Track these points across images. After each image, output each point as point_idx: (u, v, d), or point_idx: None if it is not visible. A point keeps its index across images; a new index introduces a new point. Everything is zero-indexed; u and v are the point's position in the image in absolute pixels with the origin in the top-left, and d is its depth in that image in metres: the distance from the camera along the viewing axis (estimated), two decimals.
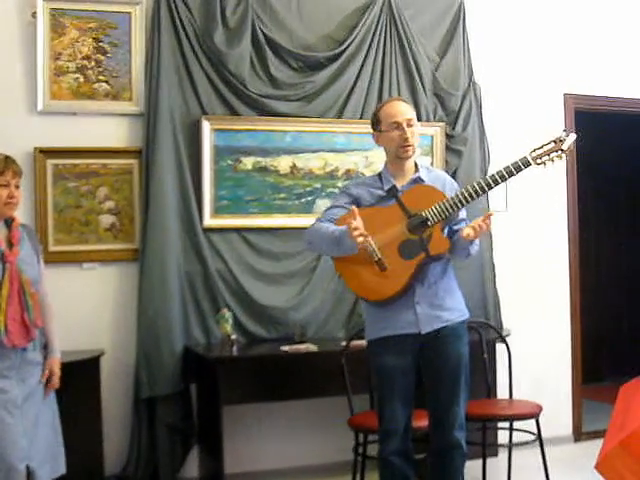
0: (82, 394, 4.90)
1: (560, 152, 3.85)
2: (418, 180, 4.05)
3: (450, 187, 4.10)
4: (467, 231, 3.80)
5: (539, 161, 3.86)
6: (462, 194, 3.85)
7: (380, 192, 4.03)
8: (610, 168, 8.37)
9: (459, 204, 3.85)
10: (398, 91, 5.86)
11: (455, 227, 4.04)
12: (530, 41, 6.39)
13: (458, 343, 4.01)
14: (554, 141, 3.87)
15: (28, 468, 3.80)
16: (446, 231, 4.00)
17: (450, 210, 3.85)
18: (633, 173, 8.53)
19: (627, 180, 8.62)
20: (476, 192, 3.84)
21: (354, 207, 3.83)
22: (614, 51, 6.60)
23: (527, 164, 3.83)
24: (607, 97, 6.61)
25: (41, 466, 3.89)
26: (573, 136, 3.87)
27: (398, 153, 4.01)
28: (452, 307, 4.03)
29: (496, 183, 3.84)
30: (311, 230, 4.08)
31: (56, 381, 4.08)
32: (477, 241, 3.98)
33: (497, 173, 3.84)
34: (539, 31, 6.42)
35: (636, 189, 8.61)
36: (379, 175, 4.13)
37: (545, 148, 3.87)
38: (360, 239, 3.71)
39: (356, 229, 3.70)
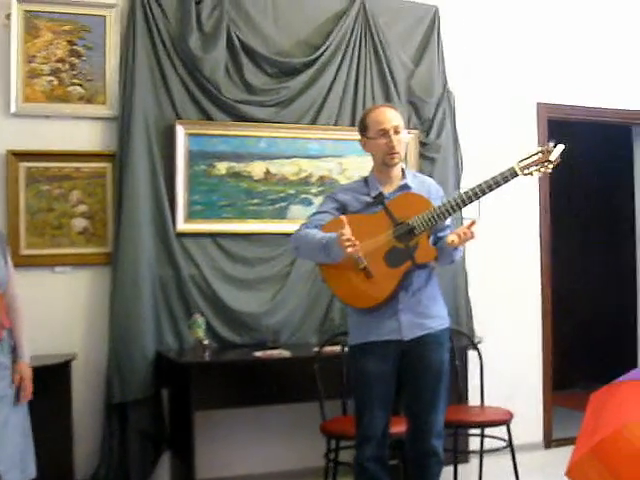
0: (53, 398, 4.85)
1: (547, 163, 3.84)
2: (405, 187, 4.05)
3: (435, 193, 4.10)
4: (452, 238, 3.81)
5: (526, 171, 3.84)
6: (449, 203, 3.85)
7: (367, 198, 4.03)
8: (583, 177, 8.43)
9: (446, 213, 3.86)
10: (372, 98, 5.88)
11: (440, 234, 4.04)
12: (504, 50, 6.44)
13: (440, 350, 4.02)
14: (541, 151, 3.86)
15: None
16: (432, 238, 3.99)
17: (437, 219, 3.86)
18: (606, 182, 8.60)
19: (600, 189, 8.69)
20: (463, 202, 3.84)
21: (342, 217, 3.82)
22: (587, 60, 6.66)
23: (514, 174, 3.83)
24: (580, 106, 6.66)
25: (10, 470, 3.86)
26: (561, 147, 3.85)
27: (385, 160, 4.01)
28: (435, 315, 4.04)
29: (483, 193, 3.84)
30: (297, 236, 4.07)
31: (29, 387, 4.04)
32: (461, 247, 4.00)
33: (484, 183, 3.83)
34: (513, 40, 6.47)
35: (609, 198, 8.67)
36: (365, 180, 4.12)
37: (532, 158, 3.86)
38: (349, 250, 3.73)
39: (348, 240, 3.71)
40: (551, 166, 3.85)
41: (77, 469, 5.14)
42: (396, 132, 3.99)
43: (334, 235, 3.81)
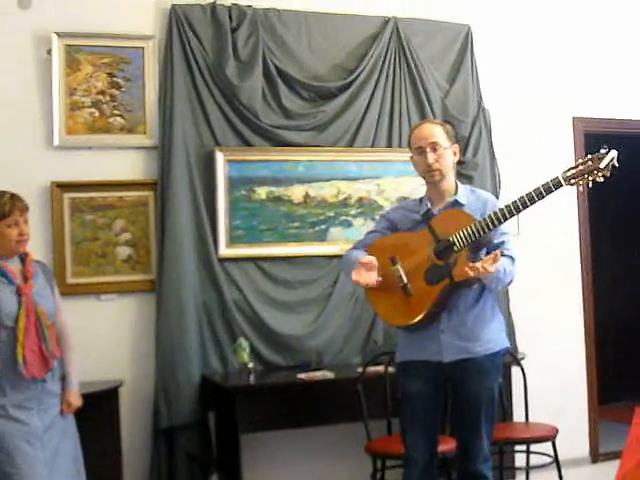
0: (102, 425, 4.93)
1: (597, 171, 3.65)
2: (455, 203, 4.00)
3: (492, 208, 3.92)
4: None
5: (572, 181, 3.68)
6: (489, 218, 3.75)
7: (416, 216, 4.02)
8: (622, 190, 8.39)
9: (485, 228, 3.75)
10: (408, 118, 5.93)
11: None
12: (538, 65, 6.46)
13: (481, 379, 3.91)
14: (590, 159, 3.69)
15: None
16: (483, 255, 3.86)
17: (477, 234, 3.75)
18: None
19: (638, 203, 8.64)
20: (504, 216, 3.73)
21: (369, 258, 3.88)
22: (623, 73, 6.67)
23: (558, 185, 3.68)
24: (617, 119, 6.66)
25: None
26: (613, 153, 3.67)
27: (425, 178, 4.02)
28: (479, 338, 3.92)
29: (525, 206, 3.71)
30: (343, 258, 4.15)
31: (72, 410, 4.15)
32: (509, 270, 3.88)
33: (526, 195, 3.71)
34: (547, 55, 6.50)
35: None
36: (421, 198, 4.11)
37: (579, 168, 3.70)
38: (353, 277, 3.86)
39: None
40: (601, 174, 3.67)
41: None
42: (433, 149, 3.95)
43: (354, 264, 3.88)
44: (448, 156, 4.00)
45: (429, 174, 3.98)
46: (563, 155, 6.39)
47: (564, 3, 6.59)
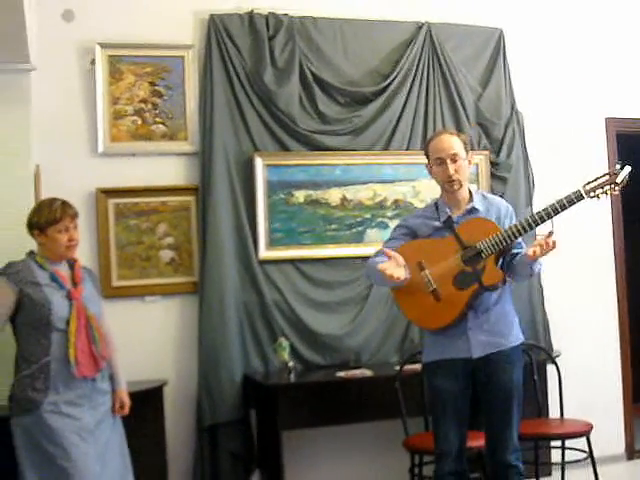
0: (147, 422, 5.03)
1: (614, 185, 3.90)
2: (473, 210, 4.15)
3: (506, 213, 4.18)
4: (533, 249, 3.87)
5: (592, 194, 3.90)
6: (515, 227, 3.94)
7: (436, 223, 4.15)
8: None
9: (512, 237, 3.94)
10: (442, 121, 6.02)
11: (514, 251, 4.10)
12: (570, 67, 6.51)
13: (510, 369, 4.08)
14: (608, 174, 3.93)
15: None
16: (506, 258, 4.09)
17: (503, 243, 3.94)
18: None
19: None
20: (529, 225, 3.92)
21: (396, 254, 3.98)
22: None
23: (580, 197, 3.89)
24: None
25: None
26: (627, 169, 3.91)
27: (445, 187, 4.15)
28: (505, 333, 4.10)
29: (549, 216, 3.91)
30: (367, 264, 4.25)
31: (127, 409, 4.31)
32: (541, 260, 4.02)
33: (550, 207, 3.91)
34: (579, 57, 6.55)
35: None
36: (435, 205, 4.24)
37: (599, 181, 3.92)
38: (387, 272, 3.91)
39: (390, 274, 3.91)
40: (618, 188, 3.91)
41: None
42: (453, 160, 4.09)
43: (378, 266, 3.96)
44: (465, 166, 4.15)
45: (449, 184, 4.12)
46: (596, 156, 6.44)
47: (596, 5, 6.63)
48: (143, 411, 4.79)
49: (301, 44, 5.79)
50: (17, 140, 4.87)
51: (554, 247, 3.88)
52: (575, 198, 3.90)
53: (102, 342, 4.16)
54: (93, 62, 5.46)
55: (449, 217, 4.12)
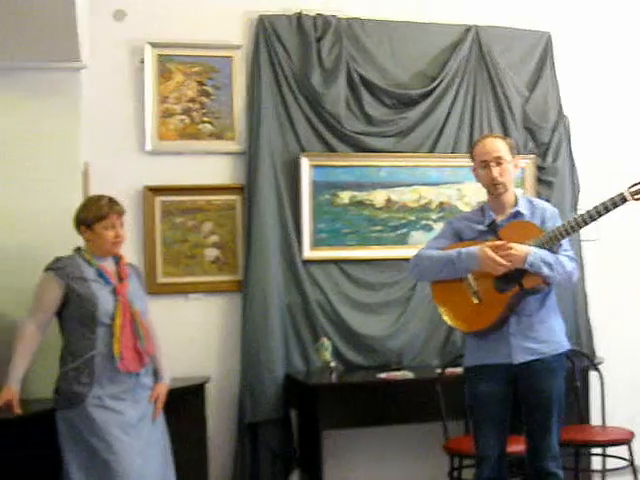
0: (189, 419, 5.09)
1: None
2: (517, 214, 4.14)
3: (550, 216, 4.16)
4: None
5: (637, 197, 3.90)
6: (558, 230, 3.95)
7: (480, 227, 4.16)
8: None
9: (554, 239, 3.94)
10: (489, 125, 6.01)
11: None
12: (618, 71, 6.44)
13: (550, 378, 4.06)
14: None
15: None
16: None
17: (546, 245, 3.95)
18: None
19: None
20: (572, 228, 3.93)
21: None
22: None
23: (624, 200, 3.89)
24: None
25: None
26: None
27: (490, 190, 4.16)
28: (547, 339, 4.08)
29: (592, 219, 3.91)
30: (419, 254, 4.24)
31: (160, 404, 4.33)
32: (576, 266, 4.05)
33: (594, 209, 3.91)
34: (627, 61, 6.48)
35: None
36: (482, 209, 4.25)
37: None
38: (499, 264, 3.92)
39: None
40: None
41: None
42: (498, 163, 4.10)
43: (472, 249, 3.98)
44: (511, 170, 4.15)
45: (493, 187, 4.13)
46: None
47: None
48: (185, 407, 4.86)
49: (348, 46, 5.80)
50: (67, 137, 4.95)
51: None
52: (619, 201, 3.90)
53: (147, 338, 4.23)
54: (142, 61, 5.51)
55: (493, 221, 4.13)
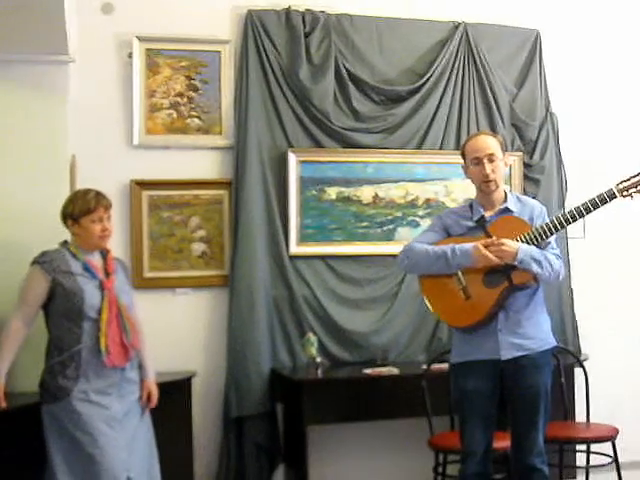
0: (174, 413, 5.08)
1: None
2: (506, 210, 4.16)
3: (539, 213, 4.18)
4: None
5: (625, 193, 3.94)
6: (547, 225, 3.98)
7: (469, 223, 4.17)
8: None
9: (543, 235, 3.97)
10: (477, 122, 6.02)
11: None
12: (606, 69, 6.46)
13: (537, 374, 4.08)
14: None
15: (128, 478, 4.05)
16: None
17: (534, 241, 3.97)
18: None
19: None
20: (560, 224, 3.96)
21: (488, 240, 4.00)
22: None
23: (612, 196, 3.93)
24: None
25: (139, 477, 4.15)
26: None
27: (481, 187, 4.17)
28: (534, 336, 4.09)
29: (580, 215, 3.95)
30: (410, 246, 4.23)
31: (155, 400, 4.36)
32: (561, 262, 4.07)
33: (582, 205, 3.94)
34: (615, 59, 6.49)
35: None
36: (470, 205, 4.26)
37: (632, 180, 3.96)
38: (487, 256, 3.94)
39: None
40: None
41: (197, 479, 5.40)
42: (490, 160, 4.11)
43: (466, 246, 4.00)
44: (502, 167, 4.18)
45: (485, 184, 4.14)
46: (631, 160, 6.38)
47: (634, 8, 6.57)
48: (171, 402, 4.82)
49: (337, 41, 5.80)
50: (54, 130, 4.93)
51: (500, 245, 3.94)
52: (608, 197, 3.94)
53: (133, 332, 4.23)
54: (130, 55, 5.50)
55: (482, 216, 4.14)
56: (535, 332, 4.11)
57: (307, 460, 5.17)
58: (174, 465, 4.83)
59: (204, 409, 5.55)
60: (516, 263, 3.94)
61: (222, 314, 5.58)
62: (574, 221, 3.98)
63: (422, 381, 5.05)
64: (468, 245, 4.01)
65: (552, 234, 4.00)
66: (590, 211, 3.95)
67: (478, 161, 4.13)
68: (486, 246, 3.95)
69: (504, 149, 4.24)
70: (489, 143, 4.17)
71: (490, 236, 4.03)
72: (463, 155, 4.26)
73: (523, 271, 3.97)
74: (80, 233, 4.21)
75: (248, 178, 5.53)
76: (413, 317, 5.84)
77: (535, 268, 3.95)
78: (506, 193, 4.24)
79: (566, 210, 4.19)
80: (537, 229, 4.00)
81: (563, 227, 3.99)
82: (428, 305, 4.29)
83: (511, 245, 3.93)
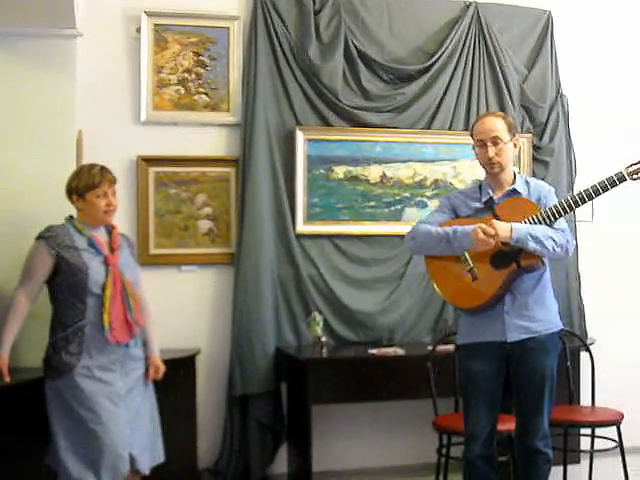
0: (179, 390, 5.08)
1: None
2: (514, 192, 4.14)
3: (546, 194, 4.15)
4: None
5: (635, 176, 3.92)
6: (555, 208, 3.94)
7: (477, 204, 4.16)
8: None
9: (552, 217, 3.94)
10: (486, 102, 5.99)
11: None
12: (618, 51, 6.42)
13: (544, 357, 4.06)
14: None
15: (131, 455, 4.05)
16: None
17: (543, 223, 3.94)
18: None
19: None
20: (569, 206, 3.93)
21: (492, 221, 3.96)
22: None
23: (622, 179, 3.90)
24: None
25: (142, 453, 4.15)
26: None
27: (486, 169, 4.16)
28: (541, 319, 4.08)
29: (590, 198, 3.92)
30: (416, 227, 4.22)
31: (161, 374, 4.36)
32: (569, 238, 4.01)
33: (591, 188, 3.91)
34: (627, 40, 6.46)
35: None
36: (480, 186, 4.24)
37: None
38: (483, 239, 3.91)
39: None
40: None
41: (200, 457, 5.39)
42: (494, 143, 4.08)
43: (467, 228, 3.97)
44: (508, 149, 4.14)
45: (490, 166, 4.13)
46: None
47: None
48: (175, 379, 4.81)
49: (347, 19, 5.76)
50: (61, 105, 4.88)
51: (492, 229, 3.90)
52: (617, 179, 3.91)
53: (137, 309, 4.21)
54: (139, 30, 5.47)
55: (490, 197, 4.12)
56: (542, 315, 4.09)
57: (311, 439, 5.15)
58: (178, 442, 4.84)
59: (208, 387, 5.55)
60: (512, 243, 3.90)
61: (228, 292, 5.57)
62: (583, 204, 3.95)
63: (427, 362, 5.03)
64: (469, 227, 3.99)
65: (560, 216, 3.96)
66: (599, 194, 3.92)
67: (482, 144, 4.12)
68: (484, 230, 3.92)
69: (514, 130, 4.20)
70: (495, 125, 4.13)
71: (498, 217, 4.00)
72: (471, 137, 4.24)
73: (531, 254, 3.94)
74: (85, 208, 4.18)
75: (255, 156, 5.50)
76: (419, 298, 5.84)
77: (532, 245, 3.90)
78: (515, 175, 4.22)
79: (575, 193, 4.16)
80: (545, 211, 3.96)
81: (572, 209, 3.96)
82: (435, 286, 4.27)
83: (500, 226, 3.89)
